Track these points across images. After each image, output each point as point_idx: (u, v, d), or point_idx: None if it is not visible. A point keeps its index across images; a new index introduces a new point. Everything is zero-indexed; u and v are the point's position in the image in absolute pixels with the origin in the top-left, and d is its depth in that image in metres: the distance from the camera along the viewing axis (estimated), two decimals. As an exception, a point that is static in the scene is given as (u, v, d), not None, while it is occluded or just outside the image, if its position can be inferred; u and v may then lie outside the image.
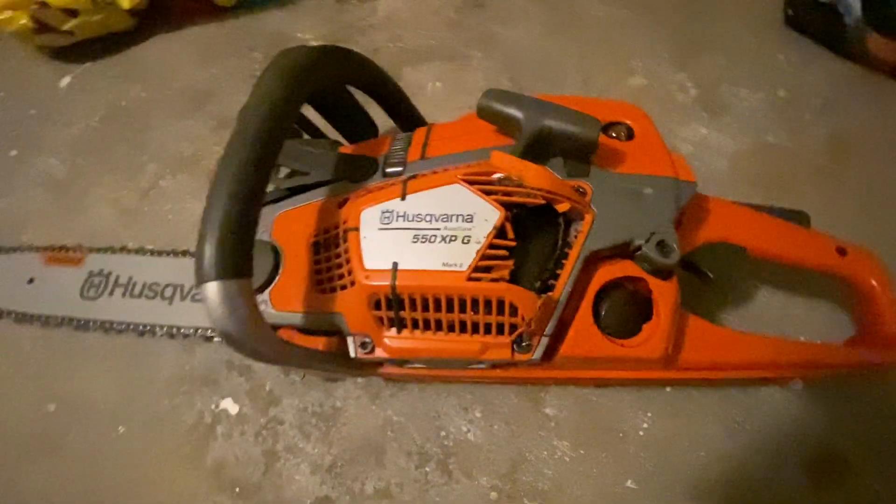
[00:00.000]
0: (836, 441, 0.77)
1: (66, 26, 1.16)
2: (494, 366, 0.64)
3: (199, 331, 0.88)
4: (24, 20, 1.15)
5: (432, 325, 0.56)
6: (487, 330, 0.56)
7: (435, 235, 0.53)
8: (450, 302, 0.53)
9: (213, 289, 0.44)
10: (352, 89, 0.69)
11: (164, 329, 0.89)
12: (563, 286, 0.55)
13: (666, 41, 1.13)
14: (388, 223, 0.55)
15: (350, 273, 0.50)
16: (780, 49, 1.11)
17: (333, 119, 0.70)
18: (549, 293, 0.54)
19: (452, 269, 0.52)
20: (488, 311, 0.54)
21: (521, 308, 0.53)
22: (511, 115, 0.56)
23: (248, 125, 0.46)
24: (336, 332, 0.61)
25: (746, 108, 1.05)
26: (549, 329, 0.55)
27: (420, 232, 0.49)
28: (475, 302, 0.53)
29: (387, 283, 0.49)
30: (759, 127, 1.03)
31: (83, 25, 1.17)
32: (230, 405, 0.86)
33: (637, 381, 0.68)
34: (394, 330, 0.57)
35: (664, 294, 0.57)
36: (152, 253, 0.95)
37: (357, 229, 0.50)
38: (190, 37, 1.29)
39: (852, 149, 0.98)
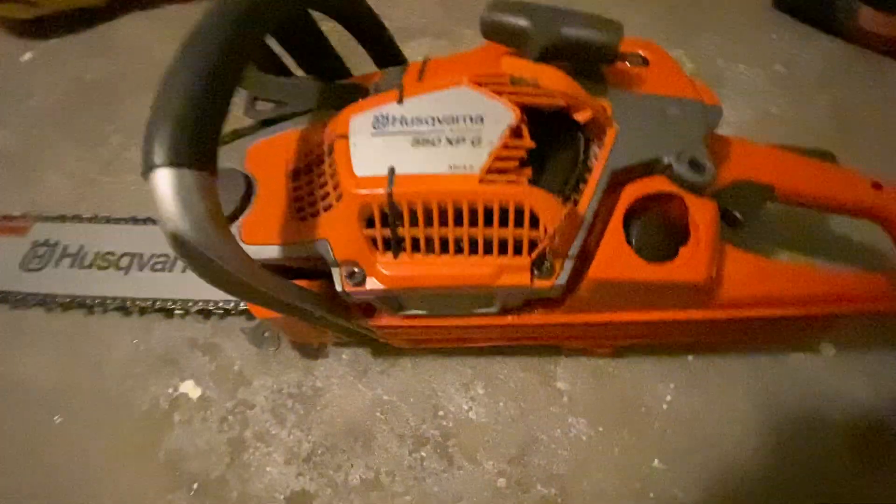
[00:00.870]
0: (881, 411, 0.68)
1: (31, -5, 1.06)
2: (507, 310, 0.54)
3: (159, 303, 0.75)
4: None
5: (436, 244, 0.46)
6: (503, 250, 0.46)
7: (439, 138, 0.43)
8: (458, 212, 0.43)
9: (163, 177, 0.34)
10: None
11: (117, 302, 0.76)
12: (588, 202, 0.45)
13: (661, 20, 1.10)
14: (382, 128, 0.45)
15: (337, 188, 0.41)
16: (773, 29, 1.09)
17: (300, 56, 0.60)
18: (575, 207, 0.44)
19: (461, 171, 0.43)
20: (504, 222, 0.44)
21: (543, 217, 0.43)
22: (519, 25, 0.48)
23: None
24: (319, 275, 0.50)
25: (745, 82, 1.01)
26: (573, 249, 0.46)
27: (421, 135, 0.40)
28: (488, 212, 0.43)
29: (382, 191, 0.39)
30: (761, 99, 0.98)
31: (50, -3, 1.07)
32: (191, 388, 0.73)
33: (672, 331, 0.58)
34: (389, 255, 0.47)
35: (702, 211, 0.48)
36: (109, 221, 0.82)
37: (345, 136, 0.40)
38: (164, 16, 1.20)
39: (855, 119, 0.94)
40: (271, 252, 0.50)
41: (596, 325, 0.55)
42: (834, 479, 0.65)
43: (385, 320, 0.56)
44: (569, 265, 0.46)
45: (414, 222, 0.45)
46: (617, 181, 0.49)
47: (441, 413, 0.69)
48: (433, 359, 0.73)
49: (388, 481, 0.66)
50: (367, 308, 0.56)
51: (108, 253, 0.80)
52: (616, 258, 0.46)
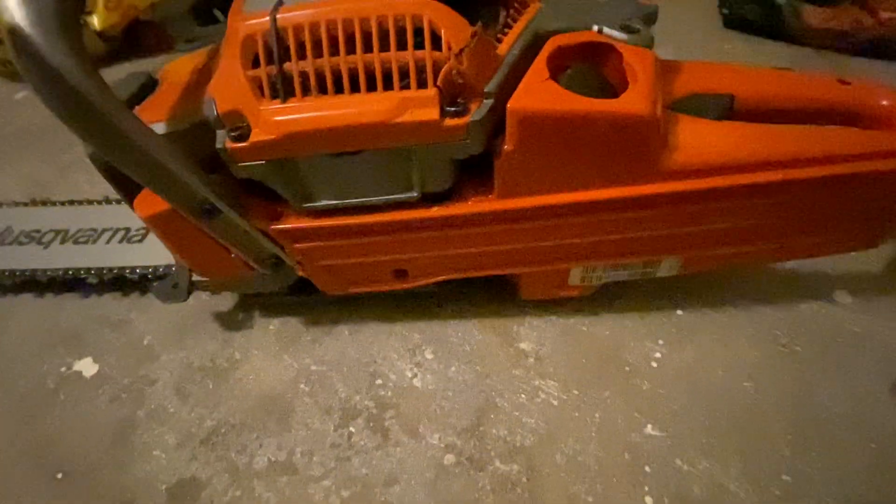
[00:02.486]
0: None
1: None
2: (431, 199, 0.43)
3: (72, 272, 0.64)
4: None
5: (328, 81, 0.38)
6: (406, 85, 0.37)
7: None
8: (350, 39, 0.36)
9: None
10: None
11: (27, 275, 0.65)
12: (508, 46, 0.38)
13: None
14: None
15: (224, 43, 0.35)
16: (725, 42, 1.10)
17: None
18: (483, 27, 0.37)
19: (353, -7, 0.36)
20: (402, 45, 0.36)
21: (447, 33, 0.36)
22: None
23: None
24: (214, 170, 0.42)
25: (704, 79, 0.99)
26: (491, 85, 0.37)
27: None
28: (384, 35, 0.36)
29: (266, 19, 0.32)
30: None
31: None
32: (87, 366, 0.59)
33: (643, 238, 0.46)
34: (277, 102, 0.38)
35: (638, 56, 0.40)
36: (45, 204, 0.75)
37: None
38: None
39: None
40: (160, 128, 0.42)
41: (539, 220, 0.44)
42: (880, 424, 0.47)
43: (292, 221, 0.45)
44: (486, 104, 0.37)
45: (302, 54, 0.37)
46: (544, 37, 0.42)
47: (379, 382, 0.55)
48: (376, 325, 0.60)
49: (304, 463, 0.49)
50: (272, 212, 0.45)
51: (34, 231, 0.71)
52: (541, 90, 0.37)
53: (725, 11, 1.08)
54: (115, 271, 0.64)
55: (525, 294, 0.57)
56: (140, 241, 0.68)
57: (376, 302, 0.61)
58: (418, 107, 0.37)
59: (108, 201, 0.74)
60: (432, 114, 0.37)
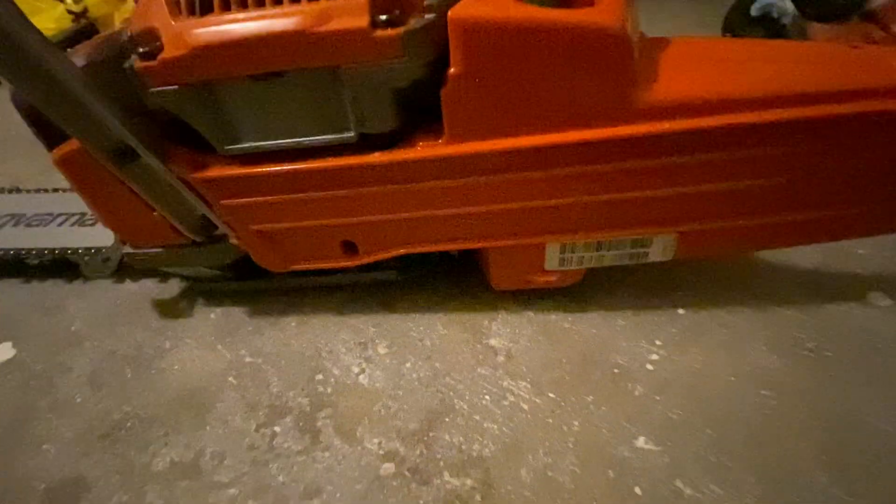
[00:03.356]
0: None
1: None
2: (371, 143, 0.37)
3: (12, 252, 0.59)
4: None
5: (249, -8, 0.32)
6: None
7: None
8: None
9: None
10: None
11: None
12: None
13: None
14: None
15: None
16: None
17: None
18: None
19: None
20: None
21: None
22: None
23: None
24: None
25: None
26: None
27: None
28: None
29: None
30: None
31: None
32: (4, 351, 0.52)
33: (624, 202, 0.38)
34: (194, 18, 0.33)
35: None
36: (11, 191, 0.72)
37: None
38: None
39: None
40: (80, 60, 0.37)
41: (498, 171, 0.36)
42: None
43: (216, 170, 0.38)
44: (427, 18, 0.31)
45: (227, -33, 0.32)
46: None
47: (320, 377, 0.45)
48: (328, 316, 0.51)
49: (211, 466, 0.39)
50: (196, 161, 0.39)
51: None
52: (490, 1, 0.31)
53: (729, 34, 1.04)
54: (56, 252, 0.58)
55: (496, 281, 0.48)
56: (92, 224, 0.63)
57: (331, 292, 0.53)
58: (345, 14, 0.31)
59: (72, 190, 0.69)
60: (360, 21, 0.30)
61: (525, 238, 0.42)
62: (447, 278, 0.53)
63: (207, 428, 0.42)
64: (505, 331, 0.48)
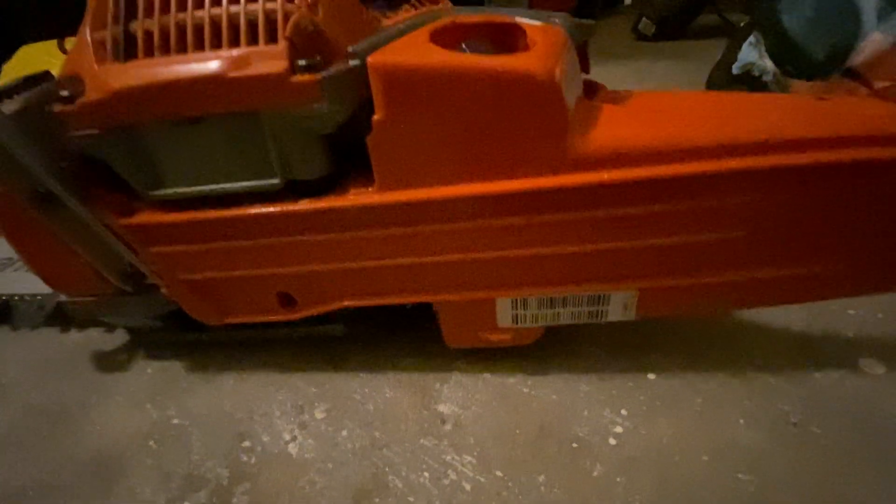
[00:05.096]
0: None
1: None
2: (300, 190, 0.34)
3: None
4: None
5: (172, 39, 0.31)
6: (255, 40, 0.31)
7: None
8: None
9: None
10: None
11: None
12: (397, 21, 0.33)
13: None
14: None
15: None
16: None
17: None
18: None
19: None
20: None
21: None
22: None
23: None
24: None
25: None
26: (359, 46, 0.30)
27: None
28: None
29: None
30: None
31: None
32: (-76, 403, 0.48)
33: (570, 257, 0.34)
34: (118, 63, 0.32)
35: (545, 33, 0.33)
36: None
37: None
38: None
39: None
40: (11, 105, 0.36)
41: (432, 221, 0.33)
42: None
43: (142, 217, 0.36)
44: (350, 64, 0.30)
45: (151, 13, 0.31)
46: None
47: (246, 444, 0.41)
48: (268, 374, 0.47)
49: (104, 549, 0.34)
50: (123, 206, 0.37)
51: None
52: (410, 47, 0.30)
53: (712, 93, 1.04)
54: (3, 298, 0.55)
55: (449, 339, 0.44)
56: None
57: (275, 348, 0.49)
58: (264, 59, 0.29)
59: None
60: (278, 66, 0.29)
61: (471, 292, 0.38)
62: (399, 333, 0.49)
63: (111, 499, 0.37)
64: (457, 395, 0.43)
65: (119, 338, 0.54)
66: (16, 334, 0.56)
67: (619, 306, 0.39)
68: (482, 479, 0.36)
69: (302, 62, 0.29)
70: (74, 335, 0.55)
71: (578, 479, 0.35)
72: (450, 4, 0.40)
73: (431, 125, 0.30)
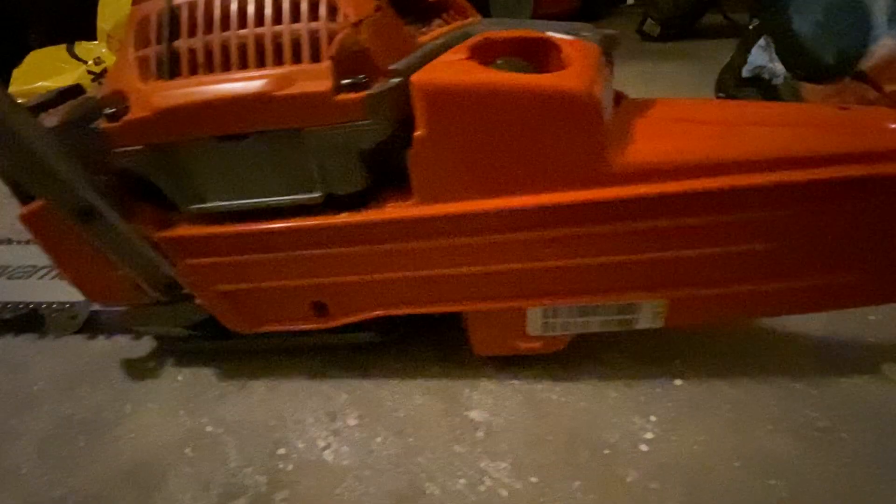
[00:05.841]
0: None
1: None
2: (339, 203, 0.35)
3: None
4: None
5: (216, 57, 0.32)
6: (299, 59, 0.31)
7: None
8: (243, 14, 0.31)
9: None
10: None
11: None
12: (433, 37, 0.33)
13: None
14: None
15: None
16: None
17: None
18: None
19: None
20: (296, 17, 0.30)
21: (345, 5, 0.30)
22: None
23: None
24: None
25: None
26: (400, 64, 0.30)
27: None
28: (278, 8, 0.31)
29: (163, 2, 0.29)
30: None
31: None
32: (-42, 412, 0.48)
33: (600, 267, 0.35)
34: (162, 81, 0.33)
35: (580, 49, 0.33)
36: (2, 242, 0.71)
37: None
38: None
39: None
40: (51, 121, 0.36)
41: (470, 234, 0.34)
42: None
43: (181, 230, 0.37)
44: (392, 81, 0.30)
45: (192, 30, 0.32)
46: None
47: (282, 451, 0.41)
48: (299, 381, 0.48)
49: (149, 557, 0.35)
50: (162, 219, 0.38)
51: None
52: (452, 65, 0.30)
53: (721, 95, 1.05)
54: (31, 306, 0.56)
55: (478, 346, 0.44)
56: (72, 278, 0.60)
57: (305, 355, 0.50)
58: (308, 78, 0.29)
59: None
60: (324, 85, 0.29)
61: (503, 302, 0.39)
62: (428, 341, 0.49)
63: (152, 509, 0.38)
64: (487, 401, 0.44)
65: (146, 346, 0.54)
66: (41, 342, 0.56)
67: (649, 315, 0.40)
68: (518, 486, 0.37)
69: (346, 81, 0.30)
70: (101, 343, 0.55)
71: (613, 485, 0.36)
72: (480, 18, 0.40)
73: (472, 141, 0.31)
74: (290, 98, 0.29)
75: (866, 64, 0.83)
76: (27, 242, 0.70)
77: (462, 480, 0.37)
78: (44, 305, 0.55)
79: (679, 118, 0.37)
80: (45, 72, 1.21)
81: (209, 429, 0.44)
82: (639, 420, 0.41)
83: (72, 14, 1.35)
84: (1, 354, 0.54)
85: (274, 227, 0.35)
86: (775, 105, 0.41)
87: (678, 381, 0.44)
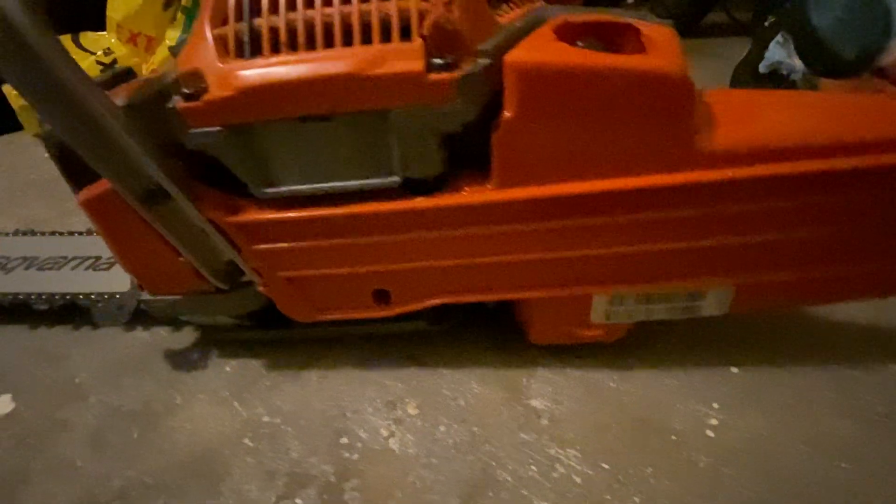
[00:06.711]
0: None
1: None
2: (414, 184, 0.34)
3: (22, 296, 0.56)
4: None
5: (301, 36, 0.31)
6: (386, 37, 0.30)
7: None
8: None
9: None
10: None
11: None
12: (511, 18, 0.32)
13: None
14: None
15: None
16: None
17: None
18: None
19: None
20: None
21: None
22: None
23: None
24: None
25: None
26: (487, 44, 0.30)
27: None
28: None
29: None
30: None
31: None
32: (3, 404, 0.47)
33: (682, 252, 0.35)
34: (242, 60, 0.32)
35: (659, 32, 0.33)
36: (24, 234, 0.69)
37: None
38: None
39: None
40: (119, 101, 0.35)
41: (549, 218, 0.33)
42: None
43: (250, 214, 0.36)
44: (481, 63, 0.30)
45: (275, 11, 0.31)
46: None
47: (345, 441, 0.41)
48: (351, 371, 0.47)
49: (224, 547, 0.34)
50: (229, 204, 0.37)
51: (2, 257, 0.64)
52: (546, 45, 0.30)
53: (738, 92, 1.05)
54: (67, 297, 0.54)
55: (536, 335, 0.44)
56: (107, 269, 0.59)
57: (354, 344, 0.49)
58: (399, 58, 0.29)
59: (89, 233, 0.67)
60: (415, 65, 0.29)
61: (573, 288, 0.39)
62: (477, 330, 0.49)
63: (220, 499, 0.37)
64: (546, 390, 0.43)
65: (187, 335, 0.53)
66: (77, 333, 0.55)
67: (715, 302, 0.40)
68: (591, 472, 0.37)
69: (438, 61, 0.29)
70: (140, 333, 0.54)
71: (686, 471, 0.36)
72: (544, 3, 0.40)
73: (562, 123, 0.31)
74: (382, 78, 0.29)
75: (886, 60, 0.83)
76: (52, 234, 0.69)
77: (534, 468, 0.37)
78: (81, 296, 0.54)
79: (742, 104, 0.37)
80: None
81: (266, 419, 0.43)
82: (701, 407, 0.41)
83: (75, 4, 1.31)
84: (39, 346, 0.52)
85: (349, 212, 0.34)
86: (831, 94, 0.42)
87: (734, 369, 0.44)
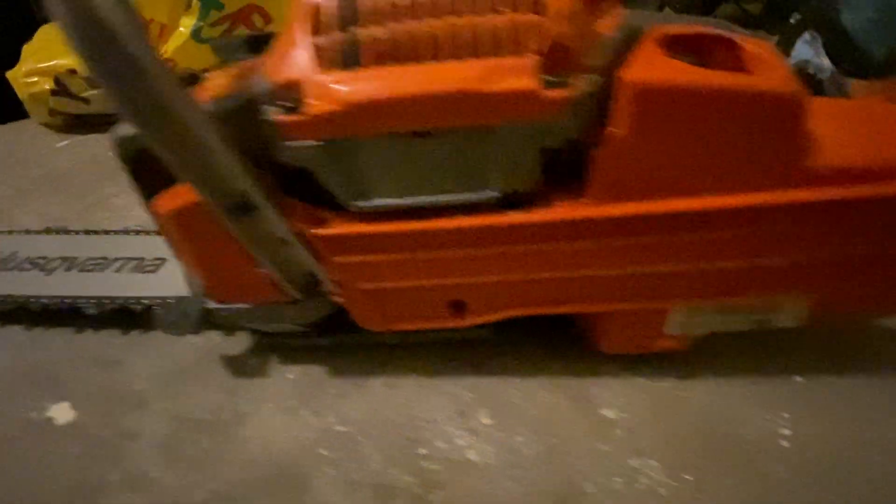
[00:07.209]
0: None
1: (84, 94, 1.13)
2: (511, 202, 0.34)
3: (69, 300, 0.54)
4: (46, 86, 1.13)
5: (405, 47, 0.30)
6: (496, 51, 0.30)
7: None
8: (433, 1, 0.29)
9: None
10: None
11: (19, 303, 0.55)
12: (610, 28, 0.31)
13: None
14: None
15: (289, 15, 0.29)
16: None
17: None
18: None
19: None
20: (496, 7, 0.29)
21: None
22: None
23: None
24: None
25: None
26: (598, 59, 0.29)
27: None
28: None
29: None
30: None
31: (100, 97, 1.14)
32: (63, 412, 0.47)
33: (780, 271, 0.35)
34: (342, 71, 0.31)
35: (761, 47, 0.32)
36: (58, 232, 0.67)
37: None
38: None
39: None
40: (208, 105, 0.34)
41: (645, 234, 0.33)
42: None
43: (338, 227, 0.35)
44: (594, 80, 0.29)
45: (377, 21, 0.30)
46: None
47: (423, 451, 0.41)
48: (417, 378, 0.47)
49: (320, 561, 0.34)
50: (314, 216, 0.36)
51: (41, 257, 0.62)
52: (661, 63, 0.29)
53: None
54: (118, 301, 0.53)
55: (607, 345, 0.44)
56: (153, 271, 0.58)
57: (415, 351, 0.49)
58: (513, 74, 0.28)
59: (126, 232, 0.66)
60: (530, 82, 0.28)
61: (654, 302, 0.39)
62: (537, 338, 0.49)
63: (306, 512, 0.37)
64: (616, 399, 0.44)
65: (242, 341, 0.52)
66: (126, 338, 0.54)
67: (789, 314, 0.40)
68: (674, 484, 0.37)
69: (550, 78, 0.29)
70: (193, 338, 0.53)
71: (766, 481, 0.37)
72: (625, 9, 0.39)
73: (674, 141, 0.30)
74: (497, 95, 0.28)
75: (916, 60, 0.84)
76: (86, 232, 0.67)
77: (617, 479, 0.38)
78: (133, 300, 0.53)
79: (835, 116, 0.37)
80: (59, 49, 1.14)
81: (339, 428, 0.43)
82: (771, 416, 0.42)
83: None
84: (92, 352, 0.51)
85: (444, 226, 0.34)
86: None
87: (798, 378, 0.45)
